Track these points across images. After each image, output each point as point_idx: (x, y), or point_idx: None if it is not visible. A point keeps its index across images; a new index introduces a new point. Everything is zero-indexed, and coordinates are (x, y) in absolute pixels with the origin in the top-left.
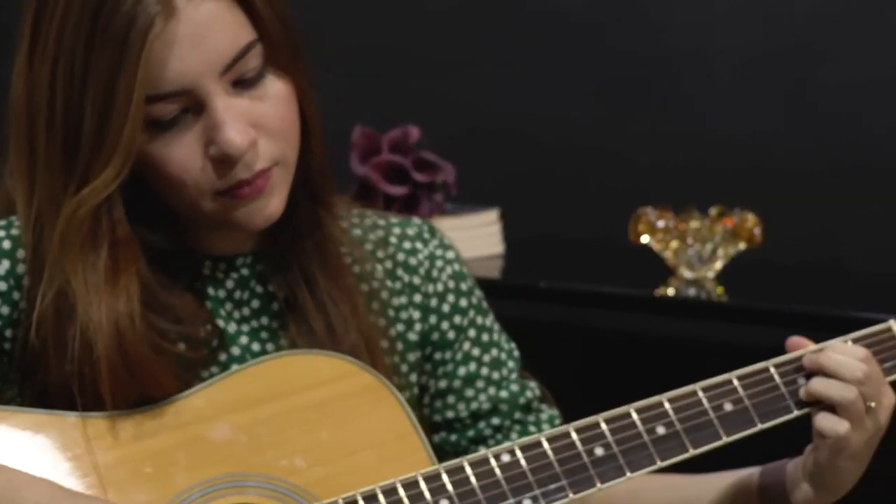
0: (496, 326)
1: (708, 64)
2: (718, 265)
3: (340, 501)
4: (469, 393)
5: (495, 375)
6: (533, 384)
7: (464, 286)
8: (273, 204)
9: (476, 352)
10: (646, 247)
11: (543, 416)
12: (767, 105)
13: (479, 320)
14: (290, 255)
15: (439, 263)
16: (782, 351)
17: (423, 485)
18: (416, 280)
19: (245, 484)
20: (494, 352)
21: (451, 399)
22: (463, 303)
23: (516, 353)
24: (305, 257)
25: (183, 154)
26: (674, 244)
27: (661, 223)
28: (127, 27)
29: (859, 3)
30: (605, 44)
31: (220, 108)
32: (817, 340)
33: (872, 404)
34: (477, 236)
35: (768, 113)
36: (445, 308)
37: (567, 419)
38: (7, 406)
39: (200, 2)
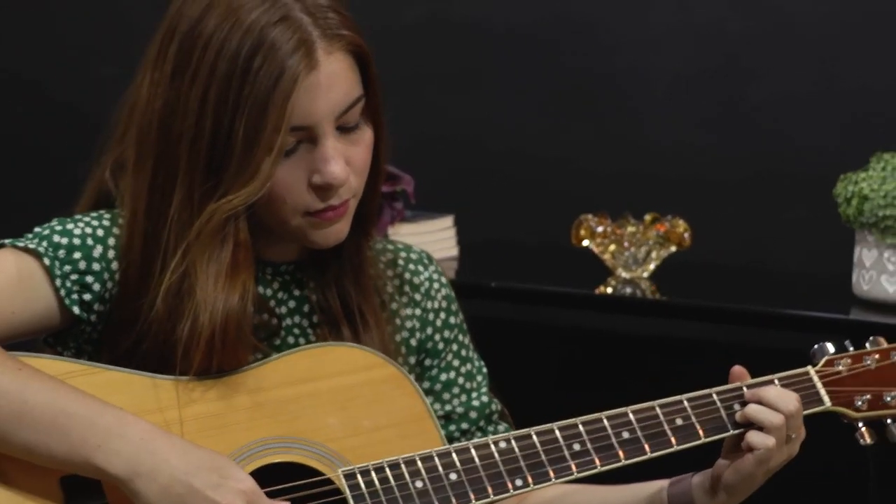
0: (472, 345)
1: (647, 80)
2: (652, 266)
3: (370, 466)
4: (445, 396)
5: (468, 385)
6: (496, 401)
7: (453, 307)
8: (345, 228)
9: (456, 363)
10: (586, 249)
11: (501, 429)
12: (699, 118)
13: (461, 338)
14: (328, 270)
15: (436, 286)
16: (710, 343)
17: (436, 459)
18: (418, 297)
19: (290, 445)
20: (469, 366)
21: (430, 399)
22: (452, 320)
23: (485, 371)
24: (342, 274)
25: (291, 178)
26: (611, 247)
27: (599, 228)
28: (279, 73)
29: (783, 26)
30: (551, 60)
31: (330, 146)
32: (742, 334)
33: (793, 435)
34: (433, 240)
35: (700, 126)
36: (438, 323)
37: (516, 406)
38: (111, 366)
39: (334, 59)
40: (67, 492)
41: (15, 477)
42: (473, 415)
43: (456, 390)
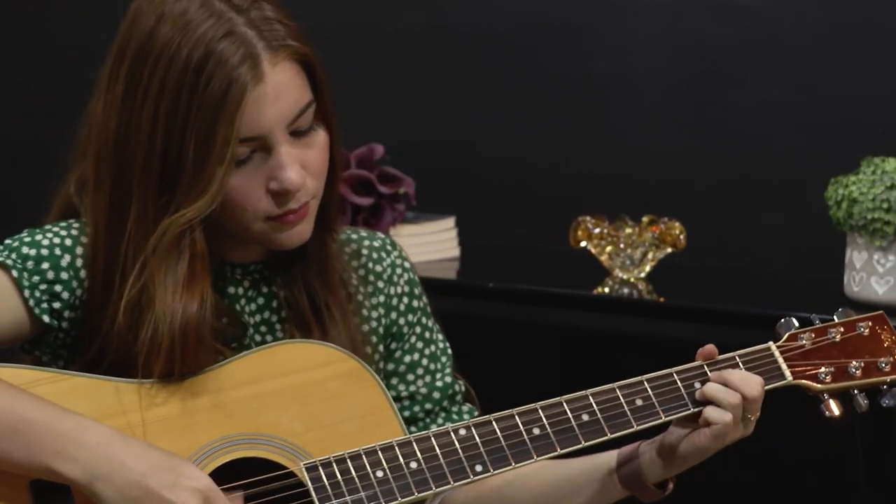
0: (436, 327)
1: (640, 85)
2: (648, 267)
3: (332, 458)
4: (410, 377)
5: (432, 366)
6: (460, 382)
7: (416, 291)
8: (307, 229)
9: (419, 345)
10: (584, 251)
11: (465, 409)
12: (691, 123)
13: (424, 320)
14: (294, 267)
15: (399, 271)
16: (701, 341)
17: (397, 449)
18: (381, 284)
19: (254, 442)
20: (433, 347)
21: (394, 380)
22: (414, 304)
23: (450, 352)
24: (308, 270)
25: (248, 186)
26: (608, 249)
27: (597, 230)
28: (227, 86)
29: (762, 33)
30: (548, 65)
31: (284, 153)
32: (735, 335)
33: (751, 416)
34: (435, 241)
35: (691, 130)
36: (402, 307)
37: (509, 402)
38: (77, 372)
39: (280, 69)
40: (36, 494)
41: None
42: (437, 395)
43: (420, 371)
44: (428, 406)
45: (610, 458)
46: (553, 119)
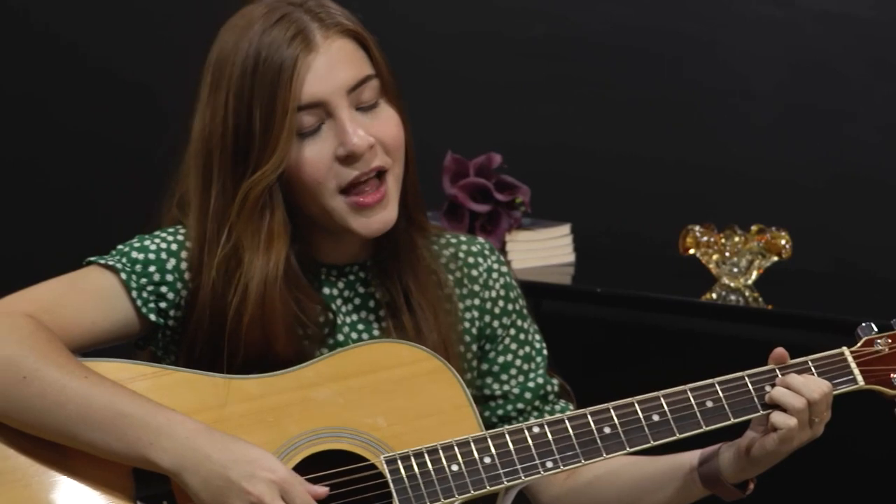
0: (532, 329)
1: (757, 95)
2: (754, 275)
3: (410, 452)
4: (503, 377)
5: (525, 367)
6: (555, 381)
7: (511, 294)
8: (388, 214)
9: (513, 346)
10: (692, 258)
11: (557, 408)
12: (803, 132)
13: (519, 323)
14: (390, 268)
15: (495, 276)
16: (805, 348)
17: (472, 445)
18: (476, 287)
19: (339, 435)
20: (528, 348)
21: (489, 380)
22: (509, 307)
23: (545, 353)
24: (402, 270)
25: (319, 156)
26: (715, 257)
27: (704, 238)
28: (282, 59)
29: (871, 42)
30: (663, 73)
31: (346, 117)
32: (837, 341)
33: (816, 420)
34: (550, 247)
35: (800, 139)
36: (496, 310)
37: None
38: (178, 367)
39: (333, 42)
40: (138, 481)
41: (91, 468)
42: (528, 395)
43: (513, 371)
44: (520, 405)
45: (693, 456)
46: (666, 127)
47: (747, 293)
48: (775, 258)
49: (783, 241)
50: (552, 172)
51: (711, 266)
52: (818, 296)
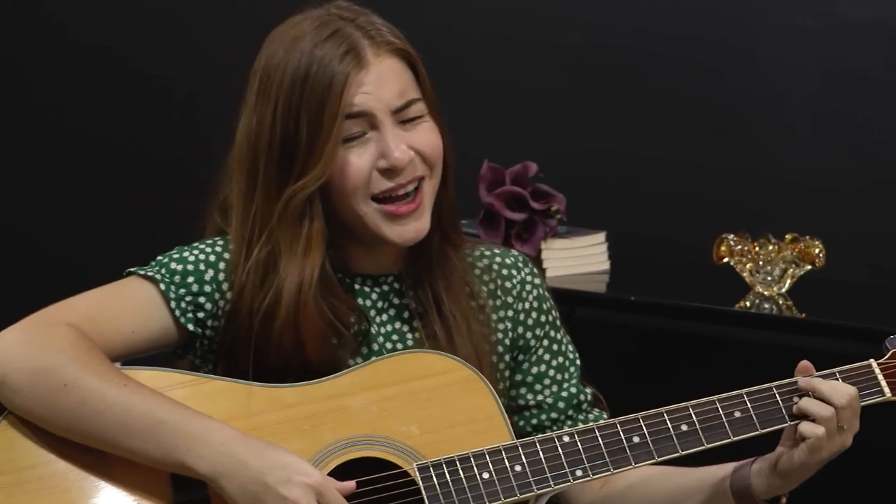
0: (565, 339)
1: (786, 105)
2: (787, 284)
3: (442, 460)
4: (537, 387)
5: (558, 377)
6: (588, 390)
7: (545, 306)
8: (422, 224)
9: (547, 357)
10: (727, 266)
11: (591, 416)
12: (842, 142)
13: (553, 333)
14: (422, 277)
15: (528, 287)
16: (839, 357)
17: (503, 453)
18: (510, 299)
19: (373, 443)
20: (561, 359)
21: (522, 390)
22: (542, 318)
23: (578, 363)
24: (434, 280)
25: (358, 163)
26: (749, 265)
27: (739, 247)
28: (333, 72)
29: None
30: (700, 85)
31: (390, 133)
32: (862, 350)
33: (845, 427)
34: (585, 255)
35: (841, 148)
36: (529, 322)
37: (647, 409)
38: (215, 376)
39: (383, 61)
40: (175, 487)
41: (130, 475)
42: (562, 404)
43: (547, 381)
44: (554, 415)
45: (726, 469)
46: (702, 136)
47: (781, 302)
48: (809, 267)
49: (817, 250)
50: (588, 181)
51: (745, 275)
52: (852, 305)
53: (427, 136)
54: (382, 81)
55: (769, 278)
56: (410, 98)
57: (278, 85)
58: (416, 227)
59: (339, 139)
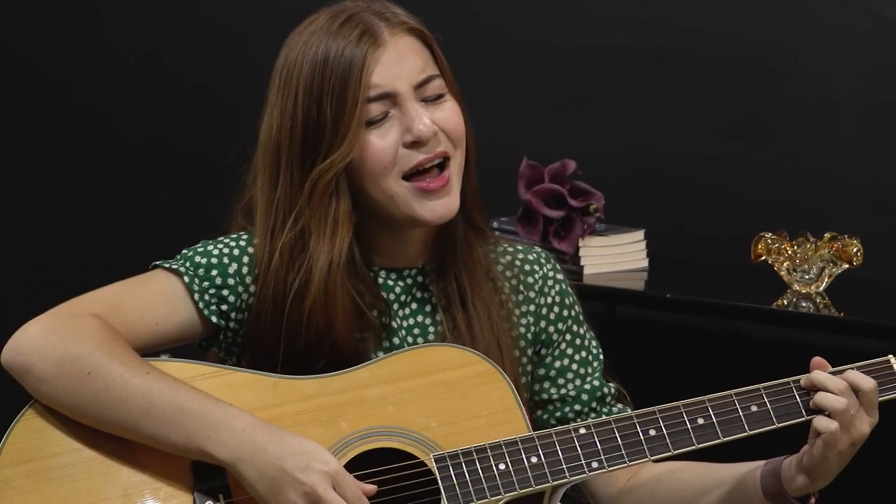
0: (589, 334)
1: (830, 107)
2: (825, 282)
3: (459, 451)
4: (560, 381)
5: (581, 371)
6: (611, 384)
7: (567, 301)
8: (452, 200)
9: (569, 351)
10: (764, 264)
11: (615, 410)
12: (877, 145)
13: (575, 328)
14: (446, 266)
15: (550, 283)
16: (875, 356)
17: (520, 445)
18: (532, 294)
19: (391, 434)
20: (584, 353)
21: (546, 384)
22: (564, 313)
23: (601, 357)
24: (458, 270)
25: (385, 143)
26: (786, 264)
27: (776, 245)
28: (351, 56)
29: None
30: (741, 86)
31: (412, 108)
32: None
33: (853, 412)
34: (623, 253)
35: (877, 151)
36: (552, 316)
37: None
38: (238, 368)
39: (399, 39)
40: (196, 473)
41: (152, 461)
42: (585, 397)
43: (570, 375)
44: (577, 408)
45: (756, 466)
46: (741, 137)
47: (818, 300)
48: (846, 266)
49: (854, 249)
50: (626, 179)
51: (783, 273)
52: (890, 304)
53: (450, 113)
54: (401, 58)
55: (806, 277)
56: (431, 73)
57: (298, 76)
58: (446, 202)
59: (363, 118)
